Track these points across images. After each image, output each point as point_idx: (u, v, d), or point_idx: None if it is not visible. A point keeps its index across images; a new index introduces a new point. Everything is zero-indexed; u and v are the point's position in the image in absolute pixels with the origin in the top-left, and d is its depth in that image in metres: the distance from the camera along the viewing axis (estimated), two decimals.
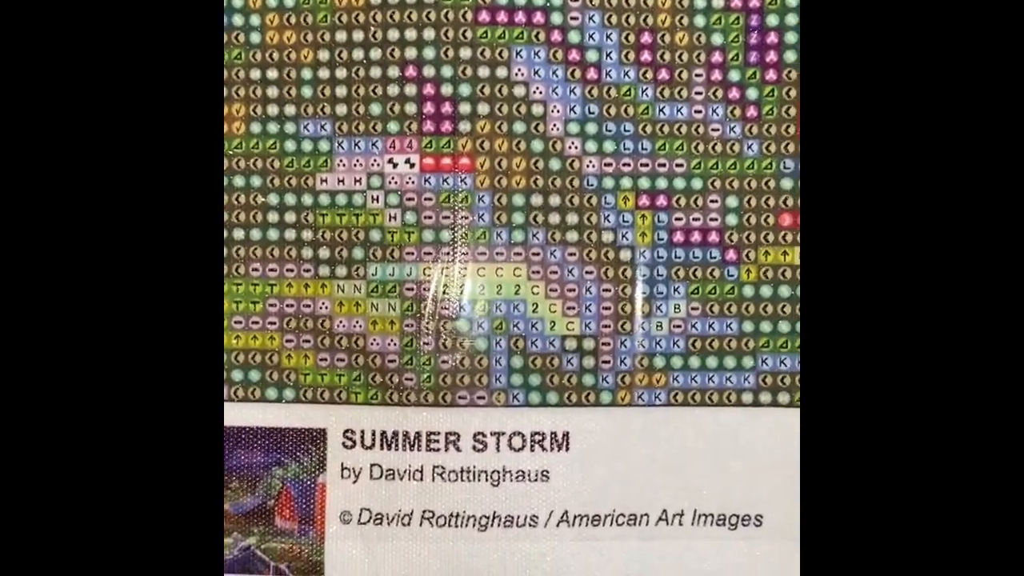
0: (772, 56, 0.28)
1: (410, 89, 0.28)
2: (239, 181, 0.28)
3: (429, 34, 0.28)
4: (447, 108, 0.28)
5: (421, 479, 0.28)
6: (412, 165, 0.28)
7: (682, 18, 0.28)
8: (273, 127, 0.28)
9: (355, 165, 0.28)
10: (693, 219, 0.28)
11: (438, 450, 0.28)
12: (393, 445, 0.28)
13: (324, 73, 0.28)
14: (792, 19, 0.28)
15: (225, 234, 0.28)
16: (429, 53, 0.28)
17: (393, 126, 0.28)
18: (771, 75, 0.28)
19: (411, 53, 0.28)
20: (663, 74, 0.28)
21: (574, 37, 0.28)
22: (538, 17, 0.28)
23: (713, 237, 0.28)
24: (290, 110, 0.28)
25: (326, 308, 0.28)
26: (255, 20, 0.28)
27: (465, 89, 0.28)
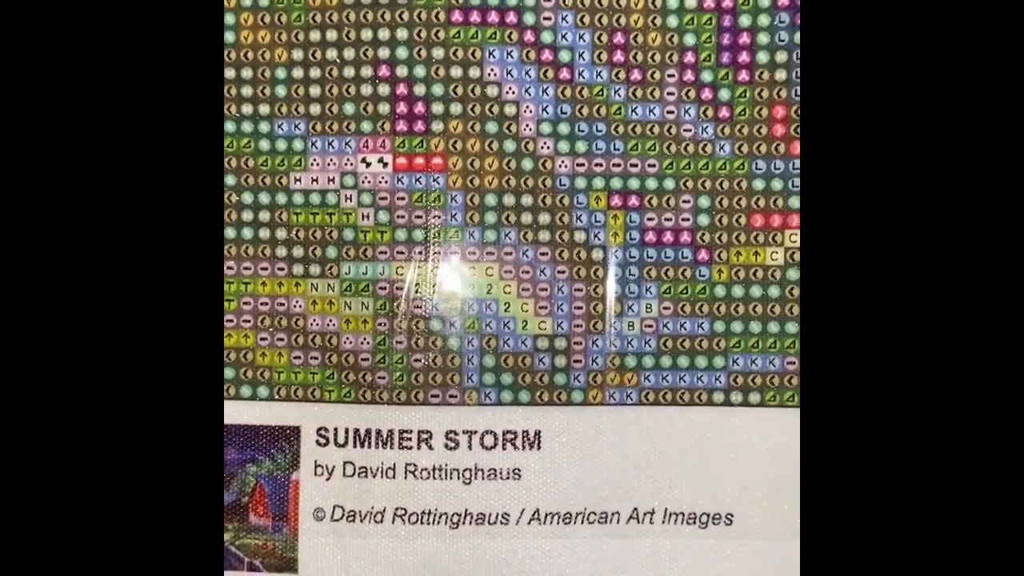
0: (744, 57, 0.28)
1: (383, 89, 0.28)
2: None
3: (402, 34, 0.28)
4: (420, 108, 0.28)
5: (393, 477, 0.28)
6: (385, 165, 0.28)
7: (655, 18, 0.28)
8: (247, 126, 0.28)
9: (328, 164, 0.28)
10: (665, 219, 0.28)
11: (410, 448, 0.28)
12: (366, 443, 0.28)
13: (298, 72, 0.28)
14: (764, 20, 0.28)
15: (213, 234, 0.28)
16: (402, 53, 0.28)
17: (366, 126, 0.28)
18: (743, 76, 0.28)
19: (384, 53, 0.28)
20: (635, 74, 0.28)
21: (547, 37, 0.28)
22: (511, 17, 0.28)
23: (685, 237, 0.28)
24: (264, 109, 0.28)
25: (300, 307, 0.28)
26: (229, 19, 0.28)
27: (438, 89, 0.28)
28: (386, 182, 0.28)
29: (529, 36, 0.28)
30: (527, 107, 0.28)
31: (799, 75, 0.28)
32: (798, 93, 0.28)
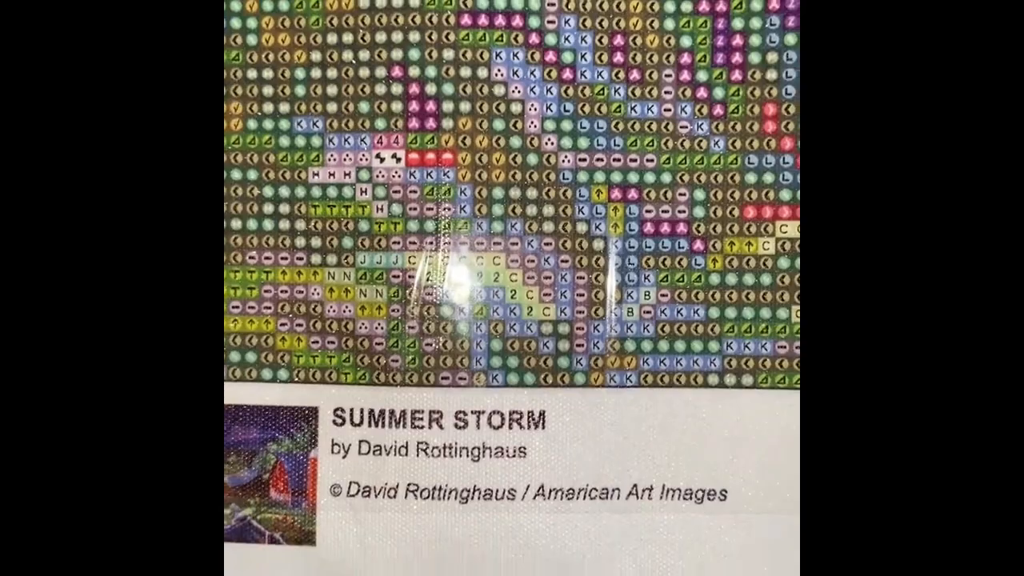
0: (738, 57, 0.29)
1: (396, 88, 0.29)
2: (237, 175, 0.30)
3: (414, 36, 0.29)
4: (431, 106, 0.29)
5: (406, 454, 0.30)
6: (398, 160, 0.30)
7: (653, 21, 0.29)
8: (268, 124, 0.30)
9: (345, 160, 0.30)
10: (662, 211, 0.30)
11: (422, 427, 0.30)
12: (380, 423, 0.30)
13: (316, 73, 0.30)
14: (756, 23, 0.29)
15: (224, 224, 0.30)
16: (414, 54, 0.29)
17: (380, 123, 0.30)
18: (736, 75, 0.29)
19: (397, 54, 0.29)
20: (634, 74, 0.29)
21: (551, 39, 0.29)
22: (517, 20, 0.29)
23: (681, 228, 0.30)
24: (284, 108, 0.30)
25: (318, 294, 0.30)
26: (252, 23, 0.30)
27: (448, 88, 0.29)
28: (399, 176, 0.30)
29: (534, 38, 0.29)
30: (532, 105, 0.29)
31: (790, 74, 0.29)
32: (788, 92, 0.29)
